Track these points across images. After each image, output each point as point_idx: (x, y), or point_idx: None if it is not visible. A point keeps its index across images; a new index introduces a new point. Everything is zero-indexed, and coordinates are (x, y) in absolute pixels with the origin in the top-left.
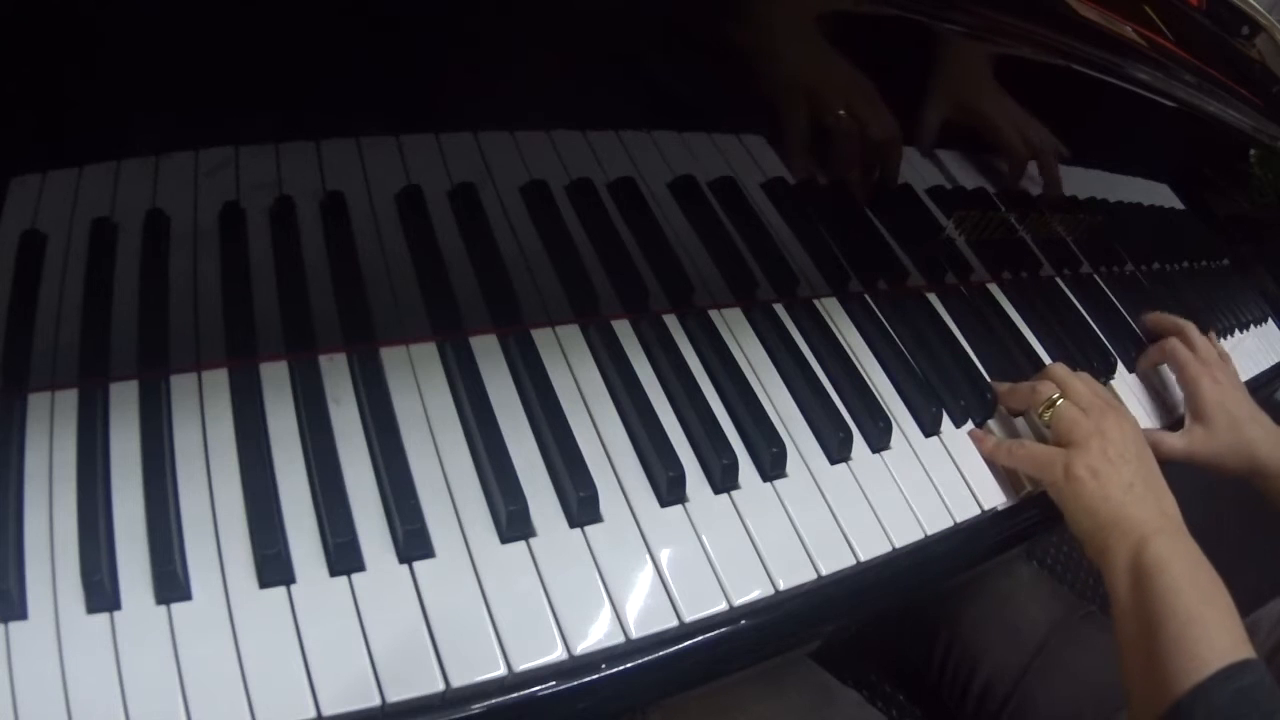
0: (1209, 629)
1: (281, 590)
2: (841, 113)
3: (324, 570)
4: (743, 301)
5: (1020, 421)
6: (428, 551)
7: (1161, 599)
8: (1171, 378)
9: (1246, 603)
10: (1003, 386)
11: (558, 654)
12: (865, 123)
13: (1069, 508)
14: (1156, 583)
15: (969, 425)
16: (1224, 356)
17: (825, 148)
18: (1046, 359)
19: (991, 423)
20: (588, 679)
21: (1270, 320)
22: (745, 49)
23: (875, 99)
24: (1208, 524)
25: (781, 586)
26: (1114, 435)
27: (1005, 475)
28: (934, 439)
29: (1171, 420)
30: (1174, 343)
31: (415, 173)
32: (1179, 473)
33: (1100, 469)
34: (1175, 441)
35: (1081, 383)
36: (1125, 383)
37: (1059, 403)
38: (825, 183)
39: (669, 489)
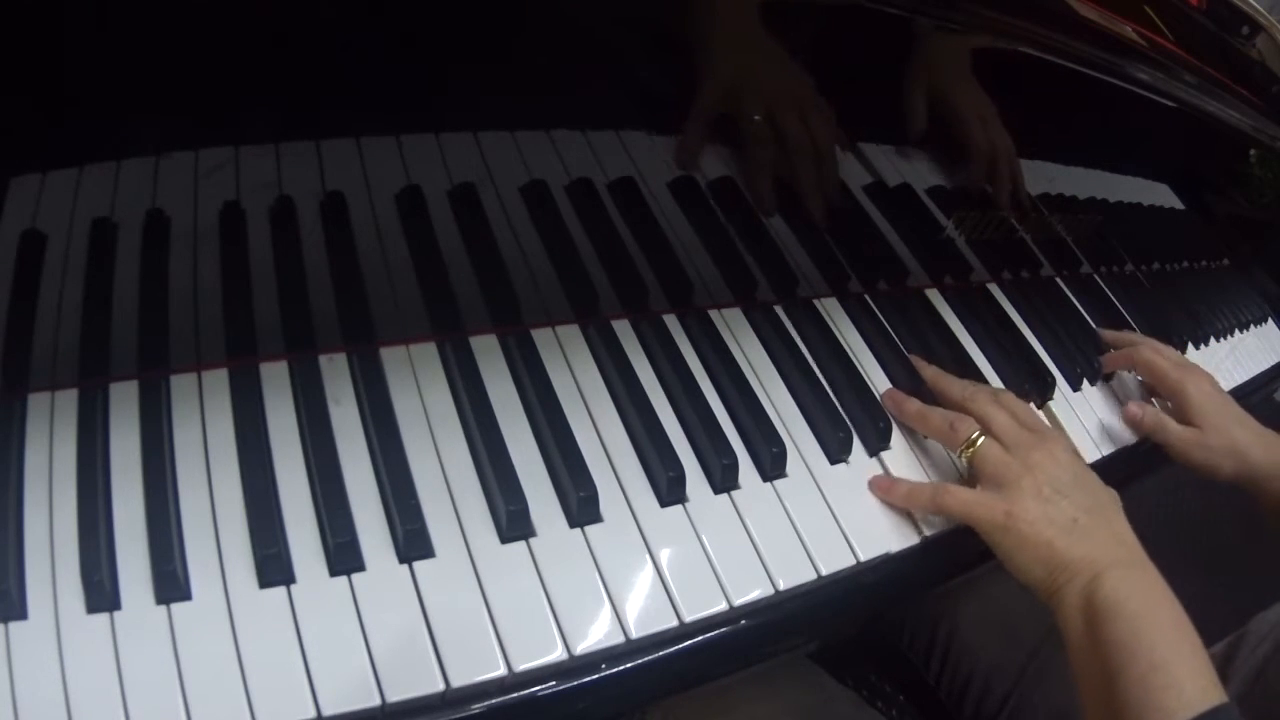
0: (1173, 675)
1: (281, 590)
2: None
3: (324, 570)
4: (743, 301)
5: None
6: (428, 551)
7: (1119, 643)
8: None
9: (1245, 610)
10: (910, 406)
11: (558, 654)
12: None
13: (1014, 559)
14: (1113, 626)
15: None
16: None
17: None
18: (1047, 359)
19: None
20: (588, 679)
21: (1270, 320)
22: (745, 48)
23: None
24: (1208, 529)
25: (781, 586)
26: (1048, 470)
27: None
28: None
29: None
30: (1143, 350)
31: (415, 173)
32: (1177, 477)
33: (1038, 514)
34: (1178, 430)
35: (1004, 412)
36: (1125, 383)
37: (980, 442)
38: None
39: (669, 489)
